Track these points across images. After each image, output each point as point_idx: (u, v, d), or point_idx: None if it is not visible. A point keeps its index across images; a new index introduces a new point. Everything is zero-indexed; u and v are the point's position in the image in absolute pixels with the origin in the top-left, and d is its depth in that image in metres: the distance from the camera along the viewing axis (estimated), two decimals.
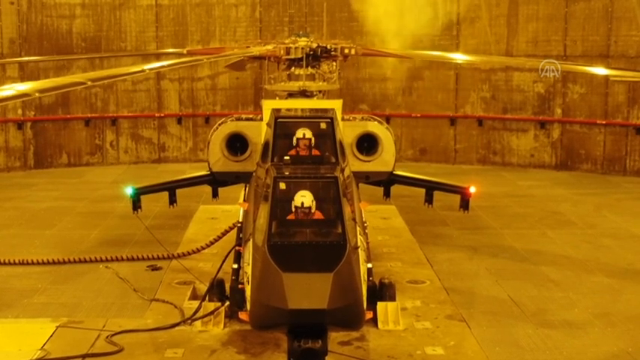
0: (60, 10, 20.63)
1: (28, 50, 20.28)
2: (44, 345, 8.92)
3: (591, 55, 19.30)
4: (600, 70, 15.94)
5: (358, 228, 8.13)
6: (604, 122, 19.69)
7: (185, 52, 13.88)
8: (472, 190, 11.41)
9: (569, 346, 9.04)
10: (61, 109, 20.83)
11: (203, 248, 12.37)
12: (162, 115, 21.38)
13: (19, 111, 20.42)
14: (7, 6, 20.15)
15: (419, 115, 21.25)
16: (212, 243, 12.30)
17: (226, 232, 12.15)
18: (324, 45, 11.36)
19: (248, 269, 7.66)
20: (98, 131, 21.23)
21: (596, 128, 19.88)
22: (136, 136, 21.45)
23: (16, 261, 12.21)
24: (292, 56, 10.79)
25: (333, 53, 11.42)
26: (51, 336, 9.18)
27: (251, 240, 7.78)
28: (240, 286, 8.64)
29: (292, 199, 7.59)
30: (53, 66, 20.46)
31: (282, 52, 10.82)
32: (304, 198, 7.57)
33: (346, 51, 11.55)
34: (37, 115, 20.64)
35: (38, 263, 12.19)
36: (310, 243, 7.23)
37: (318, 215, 7.71)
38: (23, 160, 20.61)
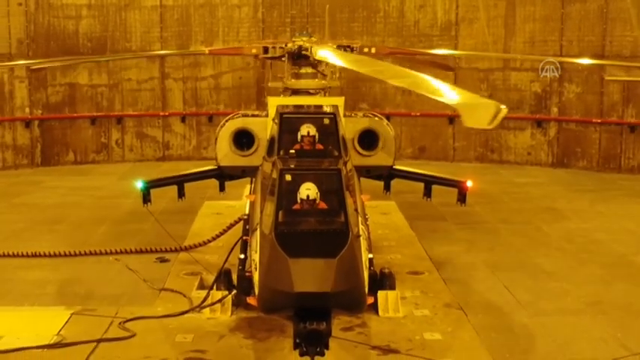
0: (67, 11, 21.04)
1: (36, 50, 20.68)
2: (60, 331, 9.28)
3: (587, 55, 19.66)
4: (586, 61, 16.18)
5: (360, 218, 8.53)
6: (599, 121, 20.11)
7: (207, 51, 14.45)
8: (469, 184, 11.76)
9: (562, 332, 9.42)
10: (68, 108, 21.27)
11: (210, 241, 12.75)
12: (166, 113, 21.79)
13: (27, 109, 20.84)
14: (15, 7, 20.56)
15: (418, 114, 21.65)
16: (219, 235, 12.68)
17: (232, 225, 12.52)
18: (347, 45, 11.72)
19: (256, 256, 8.03)
20: (104, 130, 21.65)
21: (591, 127, 20.31)
22: (141, 134, 21.87)
23: (29, 253, 12.59)
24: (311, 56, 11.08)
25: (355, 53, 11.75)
26: (66, 323, 9.53)
27: (258, 229, 8.15)
28: (247, 273, 9.04)
29: (298, 190, 7.97)
30: (60, 65, 20.84)
31: (296, 50, 11.13)
32: (309, 191, 7.94)
33: (365, 50, 11.89)
34: (44, 114, 21.06)
35: (49, 255, 12.57)
36: (315, 231, 7.58)
37: (322, 205, 8.11)
38: (31, 157, 21.03)
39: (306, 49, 10.85)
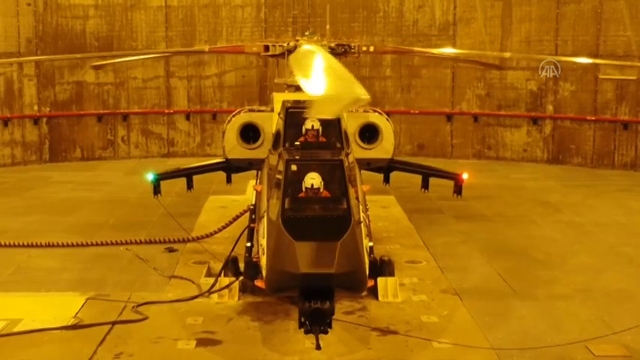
0: (74, 11, 21.59)
1: (44, 49, 21.19)
2: (77, 314, 9.77)
3: (581, 54, 20.12)
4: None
5: (361, 206, 9.04)
6: (593, 118, 20.64)
7: (207, 49, 14.82)
8: (465, 176, 12.25)
9: (551, 315, 9.90)
10: (75, 106, 21.80)
11: (217, 231, 13.23)
12: (171, 111, 22.32)
13: (35, 107, 21.35)
14: (24, 7, 21.09)
15: (417, 111, 22.17)
16: (225, 226, 13.17)
17: (238, 216, 13.02)
18: (343, 42, 12.24)
19: (263, 242, 8.52)
20: (110, 127, 22.19)
21: (586, 124, 20.84)
22: (146, 131, 22.40)
23: (43, 244, 13.06)
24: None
25: (353, 51, 12.25)
26: (82, 307, 10.02)
27: (265, 216, 8.65)
28: (254, 259, 9.55)
29: (303, 179, 8.50)
30: (67, 64, 21.42)
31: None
32: (313, 180, 8.49)
33: (364, 48, 12.40)
34: (52, 111, 21.59)
35: (62, 246, 13.04)
36: (319, 216, 8.09)
37: (326, 194, 8.63)
38: (39, 154, 21.58)
39: (353, 47, 11.53)
